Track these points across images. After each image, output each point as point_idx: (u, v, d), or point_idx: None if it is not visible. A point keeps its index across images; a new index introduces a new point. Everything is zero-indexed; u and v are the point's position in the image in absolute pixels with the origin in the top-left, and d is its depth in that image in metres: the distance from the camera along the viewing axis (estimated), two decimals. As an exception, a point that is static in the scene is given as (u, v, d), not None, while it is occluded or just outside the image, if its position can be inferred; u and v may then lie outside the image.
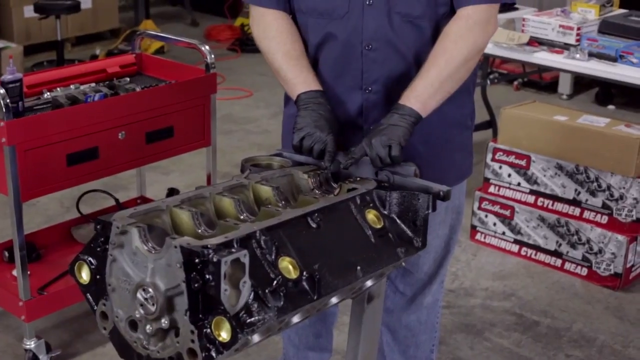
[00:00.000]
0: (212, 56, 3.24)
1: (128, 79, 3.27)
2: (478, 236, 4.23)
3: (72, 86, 3.10)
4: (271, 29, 2.37)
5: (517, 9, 4.76)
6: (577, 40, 4.10)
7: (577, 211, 3.91)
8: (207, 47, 3.25)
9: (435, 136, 2.34)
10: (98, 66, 3.32)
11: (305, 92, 2.27)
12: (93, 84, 3.17)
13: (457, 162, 2.44)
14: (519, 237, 4.10)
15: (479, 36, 2.25)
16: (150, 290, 1.61)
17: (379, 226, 1.95)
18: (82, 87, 3.10)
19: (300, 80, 2.30)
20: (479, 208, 4.20)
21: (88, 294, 1.76)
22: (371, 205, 1.99)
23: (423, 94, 2.20)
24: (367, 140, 2.14)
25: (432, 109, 2.22)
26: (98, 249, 1.72)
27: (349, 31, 2.26)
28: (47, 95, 3.01)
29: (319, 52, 2.33)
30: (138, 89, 3.10)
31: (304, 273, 1.69)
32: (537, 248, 4.05)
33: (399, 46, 2.26)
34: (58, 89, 3.06)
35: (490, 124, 5.26)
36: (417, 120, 2.17)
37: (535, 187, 4.02)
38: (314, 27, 2.32)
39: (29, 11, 6.78)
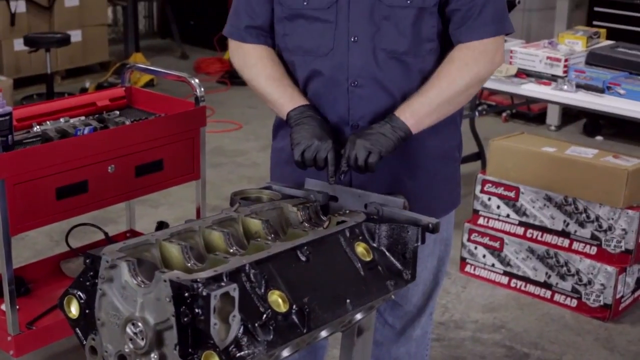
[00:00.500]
0: (202, 89, 3.25)
1: (118, 112, 3.27)
2: (468, 268, 4.24)
3: (61, 119, 3.10)
4: (251, 57, 2.39)
5: (505, 40, 4.78)
6: (565, 72, 4.13)
7: (566, 242, 3.92)
8: (196, 80, 3.26)
9: (423, 169, 2.35)
10: (88, 99, 3.32)
11: (294, 109, 2.28)
12: (83, 117, 3.17)
13: (445, 194, 2.45)
14: (508, 269, 4.10)
15: (484, 66, 2.27)
16: (140, 324, 1.60)
17: (368, 259, 1.95)
18: (71, 121, 3.10)
19: (286, 99, 2.31)
20: (469, 240, 4.20)
21: (77, 329, 1.76)
22: (360, 238, 1.99)
23: (419, 111, 2.21)
24: (353, 137, 2.17)
25: (424, 127, 2.23)
26: (87, 283, 1.72)
27: (335, 68, 2.27)
28: (36, 128, 3.01)
29: (305, 89, 2.34)
30: (127, 123, 3.10)
31: (294, 306, 1.69)
32: (527, 280, 4.05)
33: (384, 82, 2.27)
34: (48, 122, 3.06)
35: (479, 155, 5.28)
36: (407, 136, 2.19)
37: (524, 219, 4.03)
38: (300, 64, 2.33)
39: (18, 44, 6.80)
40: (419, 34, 2.26)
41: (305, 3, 2.28)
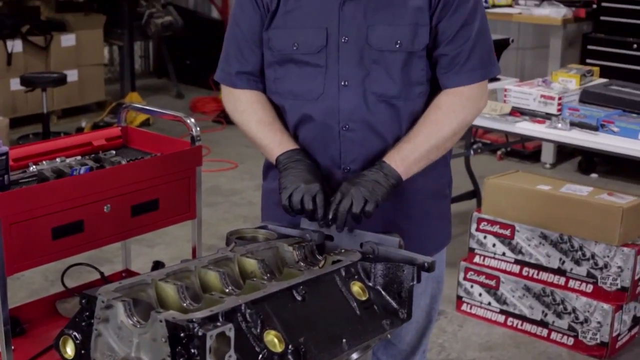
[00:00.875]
0: (198, 129, 3.26)
1: (114, 152, 3.28)
2: (464, 307, 4.23)
3: (58, 159, 3.10)
4: (242, 102, 2.41)
5: (499, 79, 4.81)
6: (559, 110, 4.15)
7: (562, 280, 3.92)
8: (192, 120, 3.27)
9: (415, 208, 2.36)
10: (84, 139, 3.33)
11: (282, 154, 2.30)
12: (79, 157, 3.17)
13: (436, 232, 2.46)
14: (505, 307, 4.10)
15: (469, 113, 2.31)
16: (136, 365, 1.60)
17: (364, 298, 1.95)
18: (68, 160, 3.11)
19: (275, 144, 2.33)
20: (465, 278, 4.20)
21: (73, 370, 1.75)
22: (356, 277, 1.99)
23: (409, 158, 2.24)
24: (346, 186, 2.17)
25: (412, 173, 2.25)
26: (83, 324, 1.71)
27: (326, 112, 2.28)
28: (32, 168, 3.01)
29: (296, 133, 2.36)
30: (124, 162, 3.11)
31: (290, 346, 1.68)
32: (523, 318, 4.04)
33: (375, 126, 2.28)
34: (44, 162, 3.06)
35: (474, 193, 5.29)
36: (398, 183, 2.21)
37: (520, 257, 4.03)
38: (291, 108, 2.35)
39: (15, 84, 6.83)
40: (409, 77, 2.28)
41: (295, 48, 2.29)
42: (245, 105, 2.40)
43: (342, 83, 2.26)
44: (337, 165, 2.32)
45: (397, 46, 2.24)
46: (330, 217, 2.14)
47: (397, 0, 2.25)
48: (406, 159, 2.23)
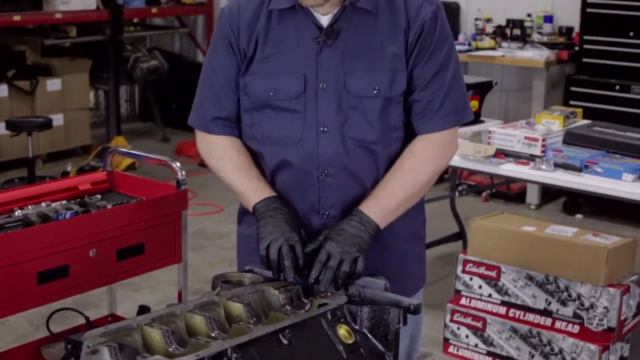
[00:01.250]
0: (183, 172, 3.27)
1: (99, 196, 3.28)
2: (451, 349, 4.22)
3: (43, 204, 3.10)
4: (217, 149, 2.41)
5: (482, 121, 4.85)
6: (543, 152, 4.17)
7: (549, 321, 3.92)
8: (178, 164, 3.28)
9: (392, 250, 2.37)
10: (69, 184, 3.33)
11: (259, 202, 2.30)
12: (64, 202, 3.17)
13: (413, 273, 2.48)
14: (491, 349, 4.09)
15: (443, 158, 2.35)
16: (121, 410, 1.59)
17: (350, 341, 1.95)
18: (53, 205, 3.11)
19: (252, 191, 2.33)
20: (451, 320, 4.19)
21: (58, 416, 1.74)
22: (342, 320, 1.99)
23: (386, 207, 2.26)
24: (330, 247, 2.17)
25: (389, 222, 2.27)
26: (68, 369, 1.71)
27: (305, 158, 2.29)
28: (18, 213, 3.01)
29: (274, 178, 2.36)
30: (109, 207, 3.11)
31: (276, 390, 1.68)
32: (511, 359, 4.03)
33: (354, 171, 2.30)
34: (29, 206, 3.06)
35: (460, 235, 5.30)
36: (376, 233, 2.22)
37: (506, 298, 4.03)
38: (268, 154, 2.35)
39: (0, 128, 6.83)
40: (387, 123, 2.30)
41: (272, 94, 2.30)
42: (221, 152, 2.40)
43: (321, 129, 2.27)
44: (316, 211, 2.32)
45: (375, 92, 2.27)
46: (314, 277, 2.14)
47: (374, 46, 2.27)
48: (384, 209, 2.26)
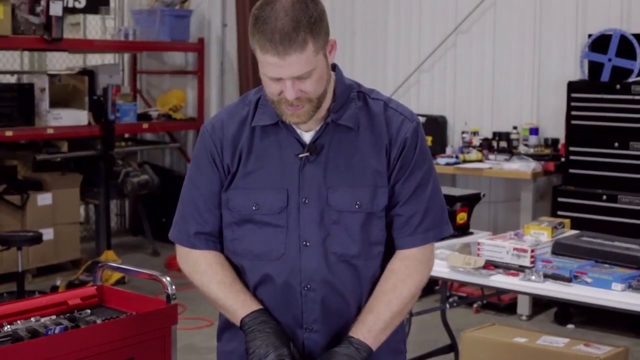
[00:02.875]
0: (173, 287, 3.26)
1: (89, 311, 3.26)
2: None
3: (32, 319, 3.09)
4: (200, 264, 2.42)
5: (471, 233, 4.87)
6: (532, 262, 4.18)
7: None
8: (167, 279, 3.27)
9: None
10: (59, 298, 3.32)
11: (247, 315, 2.30)
12: (54, 317, 3.16)
13: None
14: None
15: (423, 274, 2.38)
16: None
17: None
18: (42, 320, 3.09)
19: (238, 305, 2.33)
20: None
21: None
22: None
23: (374, 329, 2.28)
24: None
25: (380, 342, 2.29)
26: None
27: (287, 272, 2.30)
28: (7, 328, 2.99)
29: (256, 293, 2.36)
30: (99, 322, 3.09)
31: None
32: None
33: (337, 286, 2.31)
34: (18, 321, 3.05)
35: (452, 347, 5.25)
36: (369, 355, 2.24)
37: (499, 411, 3.99)
38: (250, 268, 2.36)
39: (-10, 243, 6.81)
40: (368, 238, 2.33)
41: (255, 208, 2.32)
42: (204, 267, 2.41)
43: (304, 243, 2.29)
44: (299, 325, 2.32)
45: (357, 207, 2.30)
46: None
47: (356, 162, 2.32)
48: (372, 330, 2.27)
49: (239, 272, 2.40)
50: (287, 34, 2.15)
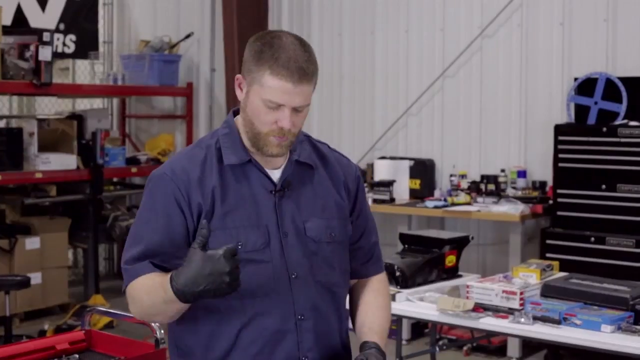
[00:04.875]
0: (162, 331, 3.26)
1: (77, 356, 3.25)
2: None
3: (19, 364, 3.08)
4: (135, 290, 2.42)
5: (460, 276, 4.87)
6: (521, 305, 4.18)
7: None
8: (156, 323, 3.27)
9: None
10: (47, 343, 3.30)
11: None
12: (42, 362, 3.15)
13: None
14: None
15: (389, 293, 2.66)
16: None
17: None
18: (30, 366, 3.08)
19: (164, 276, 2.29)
20: None
21: None
22: None
23: (383, 337, 2.48)
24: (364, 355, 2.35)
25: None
26: None
27: (280, 305, 2.37)
28: (-6, 374, 2.98)
29: (243, 336, 2.34)
30: (87, 366, 3.08)
31: None
32: None
33: (324, 312, 2.43)
34: (6, 367, 3.03)
35: (442, 390, 5.24)
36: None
37: None
38: (240, 309, 2.34)
39: (-23, 289, 6.77)
40: (344, 266, 2.49)
41: (239, 247, 2.32)
42: (137, 291, 2.41)
43: (292, 275, 2.36)
44: (295, 357, 2.35)
45: (331, 237, 2.45)
46: None
47: (322, 196, 2.47)
48: (382, 338, 2.47)
49: (224, 317, 2.37)
50: (303, 63, 2.31)
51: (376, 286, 2.59)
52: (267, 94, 2.31)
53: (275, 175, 2.45)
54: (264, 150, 2.39)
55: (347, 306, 2.60)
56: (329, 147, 2.63)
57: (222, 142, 2.44)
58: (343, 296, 2.53)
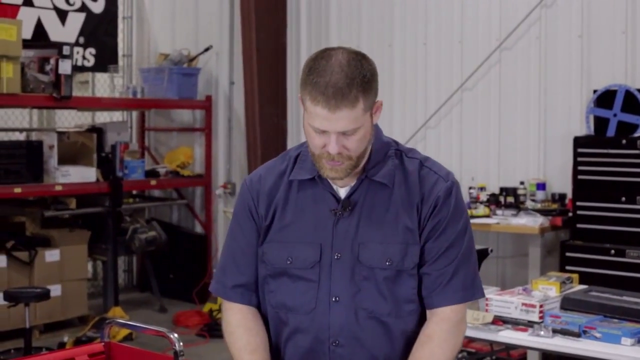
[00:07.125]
0: (181, 344, 3.25)
1: (96, 368, 3.26)
2: None
3: (39, 377, 3.08)
4: (231, 323, 2.44)
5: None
6: (541, 318, 4.16)
7: None
8: (175, 335, 3.26)
9: None
10: (66, 355, 3.30)
11: None
12: (61, 374, 3.15)
13: None
14: None
15: (459, 337, 2.37)
16: None
17: None
18: (49, 378, 3.08)
19: None
20: None
21: None
22: None
23: None
24: None
25: None
26: None
27: (316, 327, 2.31)
28: (14, 386, 2.99)
29: (286, 346, 2.37)
30: (106, 378, 3.09)
31: None
32: None
33: (365, 342, 2.31)
34: (25, 380, 3.04)
35: (461, 403, 5.22)
36: None
37: None
38: (282, 321, 2.38)
39: (-2, 299, 6.81)
40: (399, 295, 2.33)
41: (289, 262, 2.34)
42: (233, 327, 2.44)
43: (333, 299, 2.30)
44: None
45: (388, 264, 2.30)
46: None
47: (388, 219, 2.33)
48: None
49: (272, 324, 2.41)
50: (340, 89, 2.20)
51: (431, 329, 2.34)
52: (310, 118, 2.28)
53: (343, 192, 2.38)
54: (320, 172, 2.34)
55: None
56: (421, 162, 2.44)
57: (300, 156, 2.44)
58: (398, 327, 2.35)
